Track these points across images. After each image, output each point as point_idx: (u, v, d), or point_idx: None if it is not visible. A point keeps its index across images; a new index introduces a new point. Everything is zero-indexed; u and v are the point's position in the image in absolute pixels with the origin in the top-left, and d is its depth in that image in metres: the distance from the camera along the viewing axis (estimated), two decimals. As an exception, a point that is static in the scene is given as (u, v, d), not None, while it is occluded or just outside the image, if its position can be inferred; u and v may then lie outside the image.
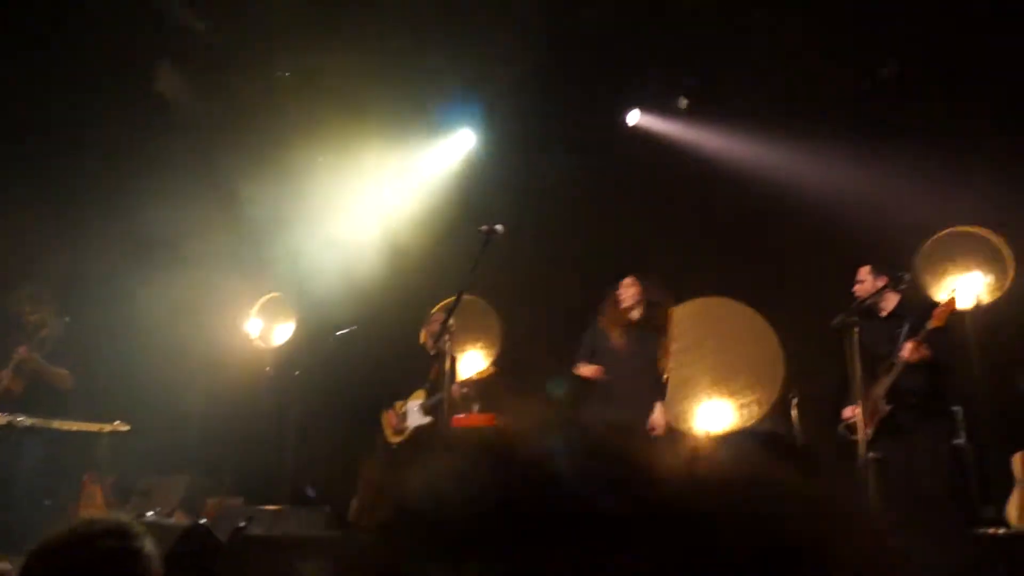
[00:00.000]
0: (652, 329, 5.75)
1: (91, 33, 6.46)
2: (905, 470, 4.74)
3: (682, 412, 7.08)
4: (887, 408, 4.80)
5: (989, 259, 6.45)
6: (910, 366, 4.74)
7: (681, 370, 6.57)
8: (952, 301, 4.83)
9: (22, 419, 5.85)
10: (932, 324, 4.71)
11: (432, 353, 6.56)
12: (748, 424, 7.05)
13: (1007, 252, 6.37)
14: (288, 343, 8.80)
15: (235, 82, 7.48)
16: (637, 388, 5.52)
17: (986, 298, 6.31)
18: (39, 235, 7.03)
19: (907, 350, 4.72)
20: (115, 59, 6.67)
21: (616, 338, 5.71)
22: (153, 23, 6.68)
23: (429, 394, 6.37)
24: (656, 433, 5.45)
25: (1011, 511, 5.10)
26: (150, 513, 4.99)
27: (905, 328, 4.89)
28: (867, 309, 4.99)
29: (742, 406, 7.24)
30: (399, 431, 6.43)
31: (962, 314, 5.68)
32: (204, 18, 6.86)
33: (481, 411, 6.67)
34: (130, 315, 7.55)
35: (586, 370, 5.77)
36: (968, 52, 6.17)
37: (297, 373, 7.49)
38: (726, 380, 7.22)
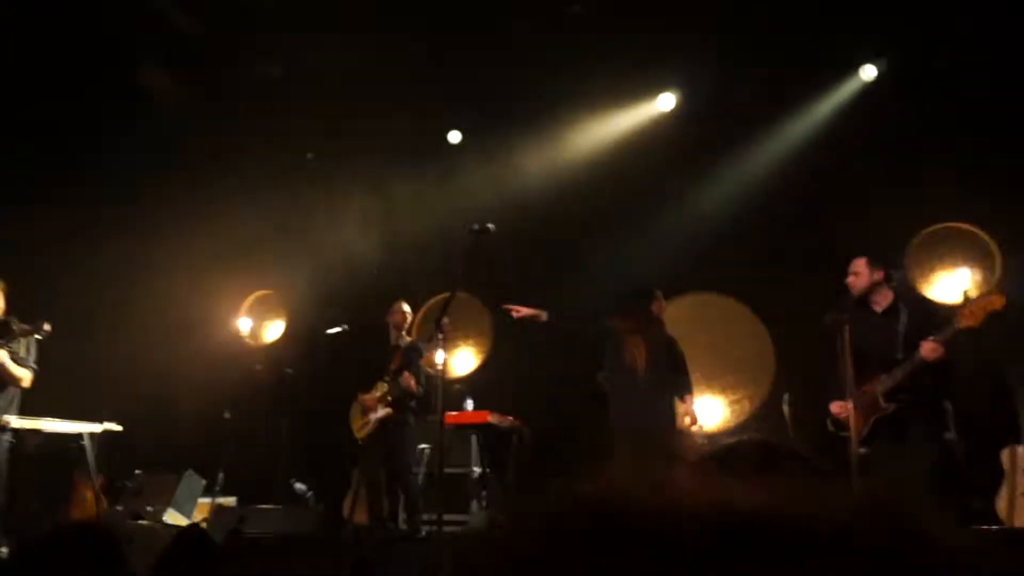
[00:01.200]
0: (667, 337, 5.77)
1: (82, 29, 6.38)
2: (895, 465, 4.69)
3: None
4: (888, 406, 4.67)
5: (977, 255, 6.50)
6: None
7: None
8: (996, 299, 4.56)
9: (9, 419, 5.66)
10: (964, 323, 4.48)
11: (394, 344, 6.49)
12: (741, 421, 7.08)
13: (995, 248, 6.41)
14: (278, 341, 8.78)
15: (225, 80, 7.42)
16: (659, 394, 5.54)
17: (974, 294, 6.35)
18: (28, 232, 6.94)
19: (927, 349, 4.49)
20: (106, 57, 6.60)
21: (638, 345, 5.66)
22: (145, 22, 6.61)
23: (390, 386, 6.29)
24: (690, 422, 5.56)
25: (1000, 505, 5.14)
26: (143, 515, 4.95)
27: (902, 325, 4.81)
28: (860, 304, 4.91)
29: (732, 403, 7.27)
30: (363, 425, 6.36)
31: (951, 308, 5.67)
32: (197, 17, 6.79)
33: (475, 408, 6.68)
34: (120, 313, 7.49)
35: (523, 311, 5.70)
36: (957, 50, 6.21)
37: (288, 371, 7.46)
38: (717, 377, 7.25)
